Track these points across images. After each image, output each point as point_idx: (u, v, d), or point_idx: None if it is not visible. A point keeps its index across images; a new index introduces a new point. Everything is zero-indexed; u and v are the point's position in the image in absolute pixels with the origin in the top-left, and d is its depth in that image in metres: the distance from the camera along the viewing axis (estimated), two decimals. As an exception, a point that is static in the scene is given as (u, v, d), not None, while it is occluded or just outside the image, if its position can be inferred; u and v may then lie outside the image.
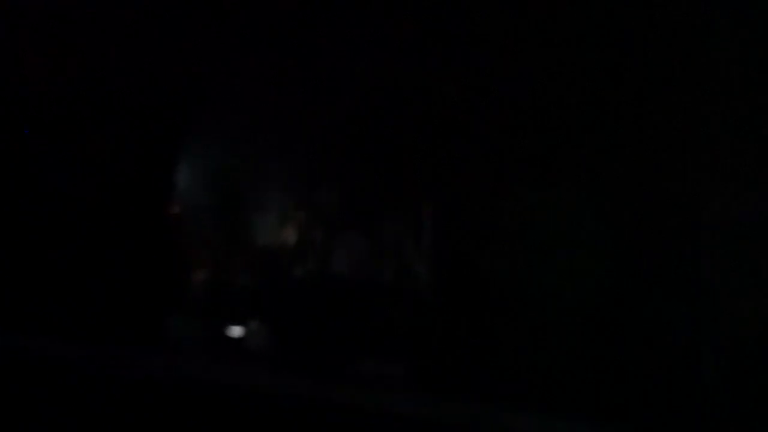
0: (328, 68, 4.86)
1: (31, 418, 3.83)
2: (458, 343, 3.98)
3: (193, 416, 3.80)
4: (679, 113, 3.83)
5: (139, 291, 5.03)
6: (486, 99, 4.43)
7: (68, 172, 5.08)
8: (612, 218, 3.98)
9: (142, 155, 5.17)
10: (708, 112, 3.75)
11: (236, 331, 4.35)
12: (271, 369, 3.89)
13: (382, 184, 5.04)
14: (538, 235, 4.14)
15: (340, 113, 4.99)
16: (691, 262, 3.69)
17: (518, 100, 4.33)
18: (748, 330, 3.52)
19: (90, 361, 4.17)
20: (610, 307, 3.89)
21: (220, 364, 4.08)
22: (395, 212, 5.09)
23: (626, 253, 3.96)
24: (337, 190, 5.16)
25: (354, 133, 5.09)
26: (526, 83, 4.28)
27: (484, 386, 3.49)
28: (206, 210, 5.78)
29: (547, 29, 4.15)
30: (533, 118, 4.29)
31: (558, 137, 4.23)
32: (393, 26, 4.68)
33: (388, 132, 4.89)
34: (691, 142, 3.77)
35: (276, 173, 5.51)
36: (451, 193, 4.57)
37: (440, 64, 4.59)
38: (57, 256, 5.01)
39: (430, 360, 3.89)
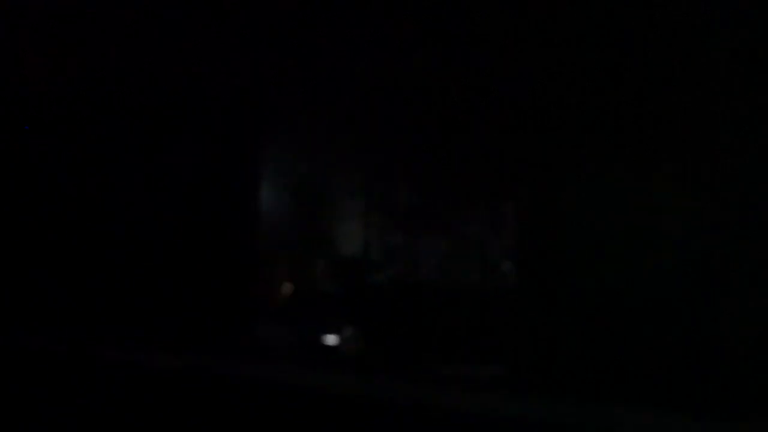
0: (407, 72, 4.88)
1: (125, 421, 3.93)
2: (551, 343, 3.95)
3: (284, 420, 3.86)
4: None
5: (227, 299, 5.15)
6: (565, 102, 4.42)
7: (155, 187, 5.22)
8: (700, 216, 3.92)
9: (226, 167, 5.29)
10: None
11: (326, 336, 4.41)
12: (361, 373, 3.92)
13: (467, 185, 5.04)
14: (624, 232, 4.10)
15: (418, 117, 5.02)
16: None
17: (598, 103, 4.31)
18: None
19: (179, 369, 4.27)
20: (699, 304, 3.83)
21: (309, 369, 4.13)
22: (480, 214, 5.09)
23: (718, 253, 3.88)
24: (422, 193, 5.18)
25: (434, 136, 5.10)
26: (604, 87, 4.27)
27: (579, 385, 3.47)
28: (290, 217, 5.89)
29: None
30: (616, 117, 4.26)
31: (642, 134, 4.18)
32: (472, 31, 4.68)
33: (468, 133, 4.89)
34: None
35: (358, 178, 5.57)
36: (538, 193, 4.55)
37: (514, 66, 4.59)
38: (146, 269, 5.16)
39: (525, 360, 3.88)
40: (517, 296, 4.53)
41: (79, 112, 5.36)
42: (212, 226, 5.22)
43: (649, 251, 4.01)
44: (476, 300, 4.70)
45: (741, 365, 3.48)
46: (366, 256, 5.51)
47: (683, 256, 3.91)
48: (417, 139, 5.22)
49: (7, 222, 5.37)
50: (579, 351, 3.92)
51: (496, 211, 5.09)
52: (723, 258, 3.74)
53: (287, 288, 5.81)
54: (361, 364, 3.90)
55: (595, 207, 4.22)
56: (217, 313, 4.98)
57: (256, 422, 3.70)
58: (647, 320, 3.87)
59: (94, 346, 4.45)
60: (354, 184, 5.79)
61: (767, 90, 3.63)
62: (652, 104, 4.07)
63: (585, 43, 4.20)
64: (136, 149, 5.26)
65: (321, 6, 4.86)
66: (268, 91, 5.27)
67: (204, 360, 4.15)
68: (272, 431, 3.66)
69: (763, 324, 3.56)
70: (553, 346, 4.02)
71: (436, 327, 4.49)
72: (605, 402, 3.36)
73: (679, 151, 3.99)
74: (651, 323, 3.85)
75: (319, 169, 5.78)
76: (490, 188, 5.07)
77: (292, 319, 5.20)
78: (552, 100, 4.38)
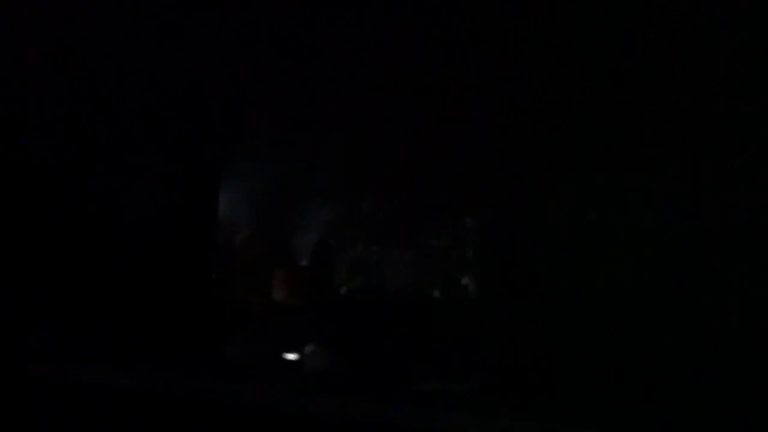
0: (372, 81, 4.82)
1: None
2: (524, 357, 3.89)
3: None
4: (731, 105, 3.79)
5: (185, 313, 4.99)
6: (530, 114, 4.41)
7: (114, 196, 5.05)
8: (675, 225, 3.92)
9: (185, 174, 5.13)
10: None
11: (289, 354, 4.26)
12: (327, 392, 3.79)
13: (432, 197, 4.99)
14: (590, 245, 4.08)
15: (385, 127, 4.95)
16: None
17: (563, 116, 4.31)
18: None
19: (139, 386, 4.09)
20: (675, 311, 3.81)
21: (273, 389, 3.98)
22: (446, 226, 5.03)
23: (687, 253, 3.88)
24: (388, 204, 5.11)
25: (400, 146, 5.04)
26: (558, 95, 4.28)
27: (553, 402, 3.39)
28: (252, 227, 5.74)
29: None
30: (581, 129, 4.26)
31: (611, 144, 4.19)
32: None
33: (433, 144, 4.84)
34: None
35: (322, 188, 5.47)
36: (503, 205, 4.52)
37: (475, 76, 4.57)
38: (99, 280, 4.98)
39: (499, 376, 3.79)
40: (483, 309, 4.48)
41: (33, 116, 5.16)
42: (171, 236, 5.06)
43: (620, 263, 3.99)
44: (444, 313, 4.62)
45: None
46: (331, 267, 5.38)
47: (653, 269, 3.89)
48: (383, 150, 5.15)
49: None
50: (549, 366, 3.87)
51: (462, 223, 5.04)
52: (699, 264, 3.75)
53: (249, 300, 5.65)
54: (326, 383, 3.77)
55: (560, 221, 4.20)
56: (174, 327, 4.81)
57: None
58: (622, 334, 3.83)
59: (41, 363, 4.26)
60: (319, 194, 5.68)
61: (745, 95, 3.64)
62: (619, 113, 4.07)
63: (553, 64, 4.20)
64: (91, 155, 5.07)
65: (288, 13, 4.77)
66: (230, 95, 5.14)
67: (161, 378, 3.98)
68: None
69: (739, 329, 3.55)
70: (521, 361, 3.96)
71: (405, 341, 4.40)
72: (577, 421, 3.28)
73: (645, 159, 4.00)
74: (626, 336, 3.82)
75: (282, 178, 5.66)
76: (455, 200, 5.03)
77: (253, 335, 5.05)
78: (517, 113, 4.37)
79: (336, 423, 3.46)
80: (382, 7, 4.56)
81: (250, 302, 5.53)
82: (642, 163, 3.99)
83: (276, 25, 4.80)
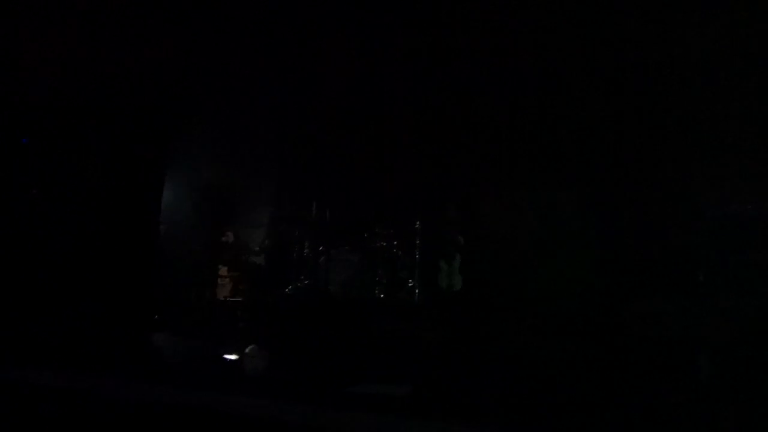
0: (320, 84, 4.79)
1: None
2: (453, 362, 3.90)
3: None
4: (675, 113, 3.86)
5: (123, 309, 4.88)
6: (470, 126, 4.46)
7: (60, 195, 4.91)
8: (601, 231, 3.98)
9: (129, 171, 5.02)
10: (704, 112, 3.78)
11: (230, 354, 4.19)
12: (266, 394, 3.74)
13: (377, 201, 5.00)
14: (525, 252, 4.12)
15: (333, 131, 4.94)
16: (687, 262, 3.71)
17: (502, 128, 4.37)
18: (741, 327, 3.54)
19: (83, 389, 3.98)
20: (612, 313, 3.87)
21: (214, 390, 3.91)
22: (390, 230, 5.02)
23: (628, 261, 3.94)
24: (333, 207, 5.08)
25: (344, 150, 5.03)
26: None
27: (491, 407, 3.39)
28: (195, 225, 5.65)
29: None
30: (519, 140, 4.33)
31: (550, 145, 4.24)
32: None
33: (380, 149, 4.84)
34: (686, 142, 3.80)
35: (269, 188, 5.43)
36: (444, 212, 4.56)
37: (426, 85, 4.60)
38: (33, 274, 4.84)
39: (438, 380, 3.79)
40: (421, 313, 4.49)
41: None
42: (112, 232, 4.94)
43: (554, 269, 4.03)
44: (385, 316, 4.61)
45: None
46: (274, 267, 5.34)
47: (586, 267, 3.95)
48: (329, 153, 5.14)
49: None
50: (481, 370, 3.88)
51: (405, 227, 5.06)
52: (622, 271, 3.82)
53: (190, 299, 5.56)
54: (264, 384, 3.72)
55: (499, 226, 4.23)
56: (110, 324, 4.70)
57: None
58: (558, 337, 3.87)
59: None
60: (264, 194, 5.64)
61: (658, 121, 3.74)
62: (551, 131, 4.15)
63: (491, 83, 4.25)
64: (35, 151, 4.94)
65: (235, 11, 4.71)
66: (176, 95, 5.05)
67: (93, 378, 3.87)
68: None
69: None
70: (455, 366, 3.97)
71: (344, 343, 4.38)
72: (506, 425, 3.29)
73: (577, 168, 4.07)
74: (562, 339, 3.85)
75: (228, 177, 5.60)
76: (399, 205, 5.05)
77: (193, 333, 4.96)
78: (458, 123, 4.41)
79: (273, 425, 3.41)
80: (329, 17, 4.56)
81: (190, 301, 5.44)
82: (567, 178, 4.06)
83: (227, 31, 4.73)
